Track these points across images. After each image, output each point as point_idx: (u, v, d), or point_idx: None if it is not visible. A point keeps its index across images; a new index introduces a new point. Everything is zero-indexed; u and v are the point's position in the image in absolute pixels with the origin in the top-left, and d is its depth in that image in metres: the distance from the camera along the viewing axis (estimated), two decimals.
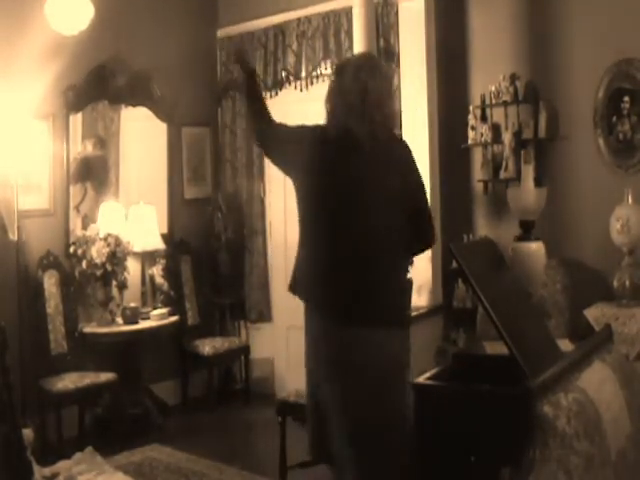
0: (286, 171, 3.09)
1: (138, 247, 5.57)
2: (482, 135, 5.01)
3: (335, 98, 2.91)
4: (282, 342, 6.18)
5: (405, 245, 2.91)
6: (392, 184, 2.84)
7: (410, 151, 2.99)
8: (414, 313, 4.91)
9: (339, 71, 2.99)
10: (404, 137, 5.15)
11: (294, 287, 2.96)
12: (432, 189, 5.14)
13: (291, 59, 5.86)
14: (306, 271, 2.92)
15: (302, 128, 3.06)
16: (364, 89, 2.83)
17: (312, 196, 2.91)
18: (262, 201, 6.29)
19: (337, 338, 2.79)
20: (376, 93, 2.85)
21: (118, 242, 5.26)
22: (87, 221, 5.48)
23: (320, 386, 2.88)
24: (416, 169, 2.96)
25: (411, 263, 4.77)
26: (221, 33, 6.39)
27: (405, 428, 2.74)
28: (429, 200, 5.13)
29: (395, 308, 2.87)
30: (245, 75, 3.30)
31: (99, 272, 5.20)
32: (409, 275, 4.87)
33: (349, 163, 2.84)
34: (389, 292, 2.84)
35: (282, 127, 3.16)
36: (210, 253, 6.25)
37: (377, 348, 2.77)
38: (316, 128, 2.99)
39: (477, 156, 5.14)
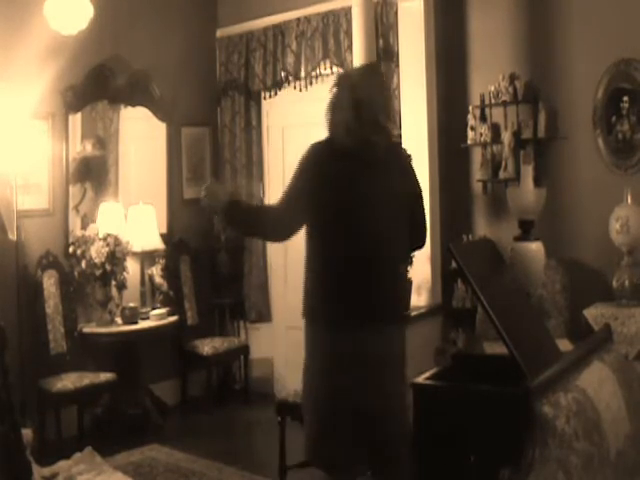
0: (319, 216, 2.99)
1: (137, 247, 5.56)
2: (481, 135, 5.01)
3: (331, 112, 3.00)
4: (281, 342, 6.18)
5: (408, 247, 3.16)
6: (398, 190, 3.00)
7: (410, 156, 3.24)
8: (413, 313, 4.93)
9: (336, 84, 3.05)
10: (404, 137, 5.20)
11: (324, 313, 2.95)
12: (431, 189, 5.14)
13: (290, 59, 5.86)
14: (338, 290, 2.93)
15: (305, 173, 2.98)
16: (358, 105, 2.93)
17: (342, 217, 2.93)
18: (261, 201, 6.28)
19: (380, 336, 2.93)
20: (371, 109, 2.95)
21: (117, 242, 5.26)
22: (86, 221, 5.48)
23: (353, 390, 2.90)
24: (414, 173, 3.13)
25: (410, 263, 4.80)
26: (221, 33, 6.39)
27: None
28: (428, 200, 5.18)
29: (405, 303, 3.25)
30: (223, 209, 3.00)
31: (98, 272, 5.20)
32: (408, 275, 4.91)
33: (360, 177, 2.95)
34: (403, 288, 3.24)
35: (288, 199, 2.98)
36: (209, 253, 6.25)
37: (397, 341, 3.01)
38: (317, 157, 2.99)
39: (476, 156, 5.14)
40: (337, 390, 2.90)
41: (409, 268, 4.89)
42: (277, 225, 3.02)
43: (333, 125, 2.99)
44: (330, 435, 2.93)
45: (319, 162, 2.98)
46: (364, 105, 2.93)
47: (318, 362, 2.97)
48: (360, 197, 2.92)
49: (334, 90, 3.03)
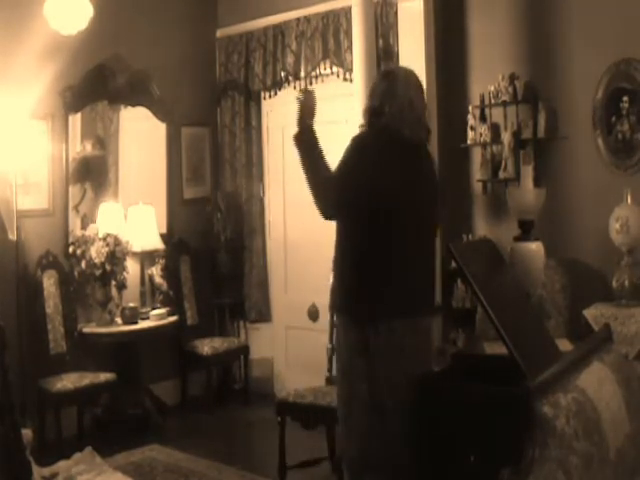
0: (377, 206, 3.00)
1: (137, 247, 5.57)
2: (481, 135, 5.01)
3: (381, 101, 3.08)
4: (281, 342, 6.18)
5: None
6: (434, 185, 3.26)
7: None
8: None
9: (387, 77, 3.16)
10: None
11: (384, 310, 2.98)
12: None
13: (290, 59, 5.86)
14: (396, 285, 2.98)
15: (366, 159, 3.00)
16: (412, 102, 3.09)
17: (403, 207, 3.01)
18: (261, 200, 6.29)
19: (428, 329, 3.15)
20: (420, 107, 3.14)
21: (117, 242, 5.26)
22: (86, 221, 5.48)
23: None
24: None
25: None
26: (221, 33, 6.39)
27: None
28: None
29: None
30: (303, 129, 3.06)
31: (98, 272, 5.20)
32: None
33: (417, 172, 3.13)
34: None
35: (344, 176, 2.99)
36: (209, 253, 6.25)
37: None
38: (377, 146, 3.04)
39: (476, 156, 5.14)
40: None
41: None
42: (330, 189, 2.97)
43: (390, 116, 3.05)
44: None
45: (380, 151, 3.02)
46: (414, 103, 3.09)
47: (388, 359, 2.95)
48: (417, 189, 3.05)
49: (384, 83, 3.12)
